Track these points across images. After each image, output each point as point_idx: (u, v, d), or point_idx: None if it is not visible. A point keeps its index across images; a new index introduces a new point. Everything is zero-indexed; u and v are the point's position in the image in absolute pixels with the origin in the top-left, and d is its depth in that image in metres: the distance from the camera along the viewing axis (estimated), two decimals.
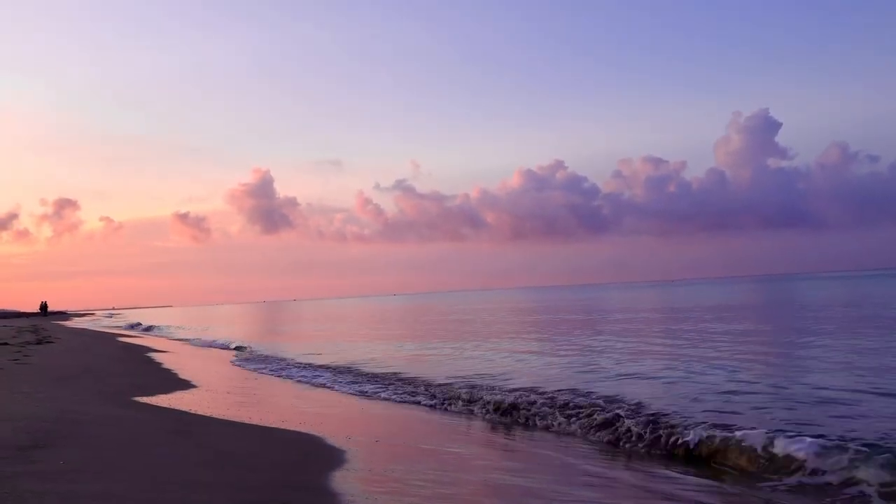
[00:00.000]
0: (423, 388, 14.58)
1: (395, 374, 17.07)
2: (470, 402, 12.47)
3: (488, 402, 12.03)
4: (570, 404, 11.16)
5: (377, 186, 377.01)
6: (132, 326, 59.96)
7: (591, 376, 14.60)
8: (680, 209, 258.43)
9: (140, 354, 26.62)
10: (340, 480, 7.10)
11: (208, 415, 11.48)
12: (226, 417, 11.32)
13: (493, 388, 13.34)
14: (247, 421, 10.98)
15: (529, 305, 71.09)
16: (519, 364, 17.88)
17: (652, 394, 11.86)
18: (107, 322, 79.42)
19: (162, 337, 43.08)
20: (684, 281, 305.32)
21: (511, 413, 11.39)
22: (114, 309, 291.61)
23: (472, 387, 13.70)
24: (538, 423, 10.73)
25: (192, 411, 11.98)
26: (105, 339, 38.56)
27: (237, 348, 29.89)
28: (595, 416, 10.20)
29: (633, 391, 12.18)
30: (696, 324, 29.31)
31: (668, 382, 13.18)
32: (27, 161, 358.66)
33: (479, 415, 11.71)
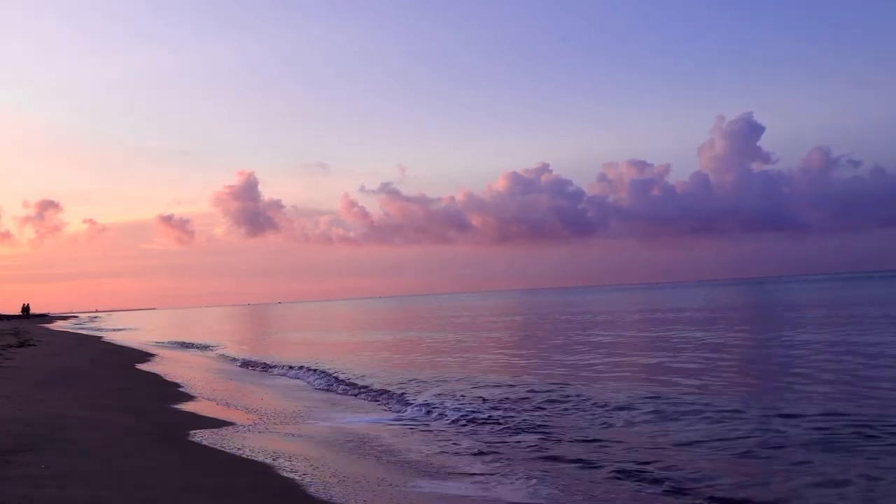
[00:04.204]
0: None
1: None
2: None
3: None
4: None
5: (363, 189, 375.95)
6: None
7: None
8: (664, 213, 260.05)
9: (123, 357, 26.37)
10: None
11: (195, 417, 11.41)
12: (213, 417, 11.29)
13: None
14: (234, 421, 10.94)
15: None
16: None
17: None
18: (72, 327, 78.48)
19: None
20: (668, 284, 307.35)
21: None
22: (97, 312, 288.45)
23: None
24: None
25: (178, 413, 11.91)
26: (88, 342, 38.18)
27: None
28: None
29: None
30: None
31: None
32: (8, 163, 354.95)
33: None
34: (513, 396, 13.12)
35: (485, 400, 12.93)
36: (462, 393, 13.91)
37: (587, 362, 18.18)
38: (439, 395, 13.82)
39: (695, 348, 20.38)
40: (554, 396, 12.81)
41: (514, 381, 15.27)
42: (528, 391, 13.55)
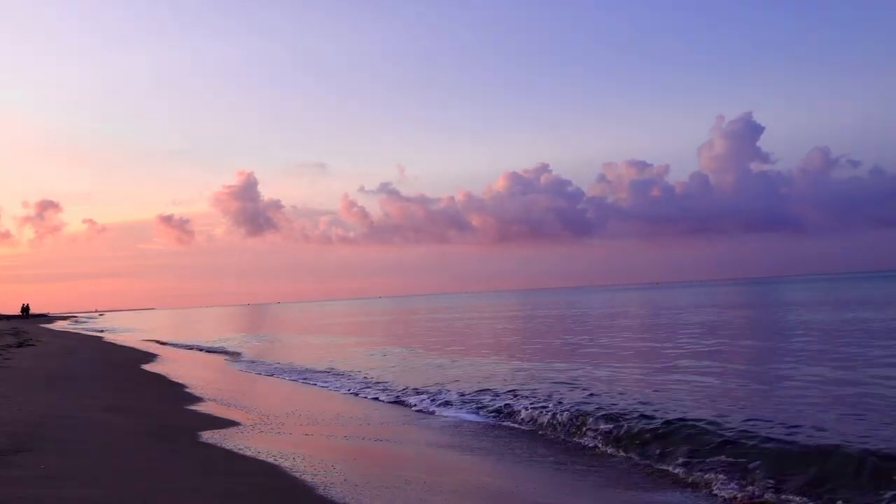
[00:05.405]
0: None
1: None
2: None
3: None
4: None
5: (362, 189, 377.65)
6: None
7: None
8: (664, 213, 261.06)
9: (124, 357, 26.22)
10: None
11: (194, 417, 11.25)
12: (213, 415, 11.12)
13: None
14: (235, 419, 10.78)
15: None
16: None
17: None
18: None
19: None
20: (668, 284, 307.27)
21: None
22: (96, 312, 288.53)
23: None
24: None
25: (183, 414, 11.74)
26: (88, 342, 38.01)
27: None
28: None
29: None
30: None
31: None
32: (8, 163, 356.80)
33: None
34: (580, 396, 12.49)
35: (559, 401, 12.11)
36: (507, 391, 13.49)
37: (608, 365, 17.97)
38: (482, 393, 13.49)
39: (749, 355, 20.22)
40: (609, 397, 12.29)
41: (559, 381, 14.68)
42: (589, 395, 12.62)
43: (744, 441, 8.48)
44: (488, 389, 13.74)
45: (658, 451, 8.58)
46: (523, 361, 18.94)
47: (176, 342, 37.53)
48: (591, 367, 16.48)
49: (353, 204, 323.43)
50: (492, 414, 11.65)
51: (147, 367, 21.60)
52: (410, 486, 7.04)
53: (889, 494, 6.49)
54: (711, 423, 9.51)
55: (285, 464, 7.75)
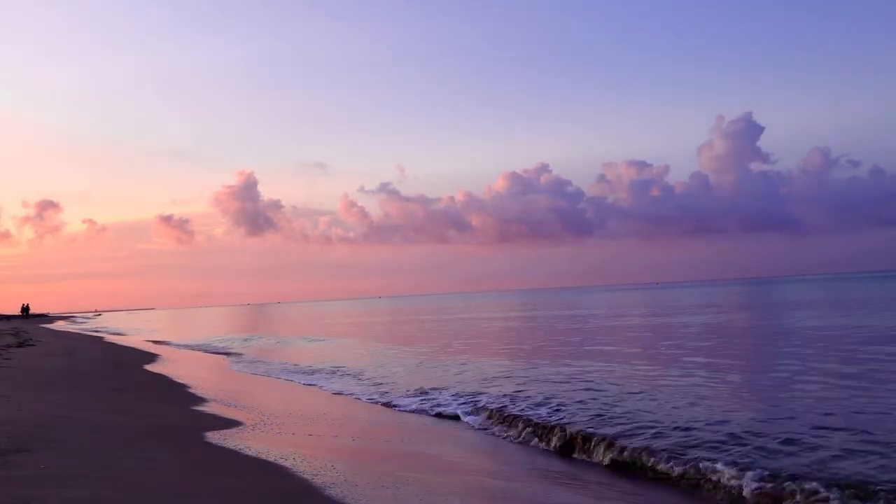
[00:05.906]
0: None
1: None
2: None
3: None
4: None
5: (362, 189, 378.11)
6: None
7: None
8: (664, 213, 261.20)
9: (125, 357, 26.19)
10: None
11: (195, 417, 11.22)
12: (217, 415, 11.10)
13: None
14: (237, 420, 10.75)
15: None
16: None
17: None
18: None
19: None
20: (667, 284, 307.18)
21: None
22: (96, 312, 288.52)
23: None
24: None
25: (184, 414, 11.71)
26: (88, 342, 37.98)
27: None
28: None
29: None
30: None
31: None
32: (8, 163, 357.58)
33: None
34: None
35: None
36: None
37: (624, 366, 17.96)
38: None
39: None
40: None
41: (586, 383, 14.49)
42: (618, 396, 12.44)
43: (750, 441, 8.49)
44: (489, 391, 13.72)
45: (663, 452, 8.53)
46: (524, 362, 18.89)
47: (177, 342, 37.46)
48: (592, 368, 16.46)
49: (352, 204, 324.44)
50: (493, 415, 11.63)
51: (149, 367, 21.57)
52: (410, 486, 7.02)
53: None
54: (718, 422, 9.53)
55: (286, 463, 7.73)
